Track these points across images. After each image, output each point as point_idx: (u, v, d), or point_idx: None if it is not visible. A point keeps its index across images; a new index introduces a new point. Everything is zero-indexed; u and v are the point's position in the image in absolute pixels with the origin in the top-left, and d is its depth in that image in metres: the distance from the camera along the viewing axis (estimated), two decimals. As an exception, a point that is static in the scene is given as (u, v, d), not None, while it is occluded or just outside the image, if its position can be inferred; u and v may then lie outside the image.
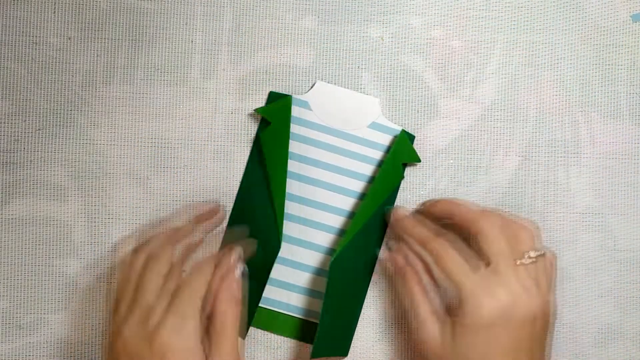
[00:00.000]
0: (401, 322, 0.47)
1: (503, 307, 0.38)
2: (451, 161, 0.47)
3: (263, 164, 0.45)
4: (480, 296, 0.39)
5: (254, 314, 0.45)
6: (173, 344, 0.37)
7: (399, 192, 0.47)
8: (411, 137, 0.47)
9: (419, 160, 0.46)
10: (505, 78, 0.48)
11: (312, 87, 0.46)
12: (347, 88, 0.46)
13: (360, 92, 0.46)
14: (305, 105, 0.46)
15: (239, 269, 0.41)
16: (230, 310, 0.39)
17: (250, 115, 0.47)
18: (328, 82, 0.46)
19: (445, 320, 0.40)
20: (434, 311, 0.41)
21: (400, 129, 0.46)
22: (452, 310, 0.40)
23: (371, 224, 0.45)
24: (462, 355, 0.39)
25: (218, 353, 0.38)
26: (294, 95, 0.46)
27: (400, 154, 0.46)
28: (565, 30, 0.48)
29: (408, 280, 0.42)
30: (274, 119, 0.45)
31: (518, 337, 0.39)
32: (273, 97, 0.46)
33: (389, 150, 0.46)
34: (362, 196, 0.46)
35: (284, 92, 0.46)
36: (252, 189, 0.46)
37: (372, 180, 0.46)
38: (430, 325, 0.40)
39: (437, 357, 0.40)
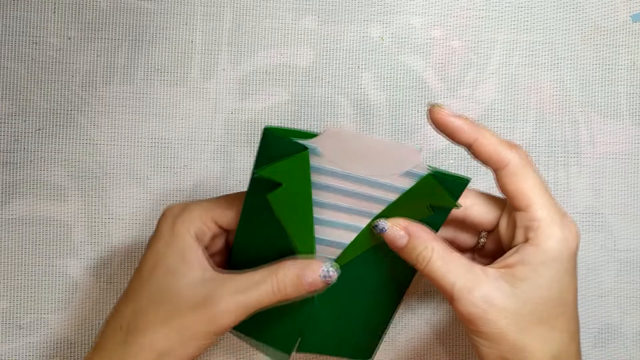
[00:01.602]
0: (401, 322, 0.47)
1: (570, 237, 0.35)
2: (451, 161, 0.47)
3: (277, 223, 0.37)
4: (552, 224, 0.35)
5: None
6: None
7: None
8: (457, 186, 0.37)
9: (454, 205, 0.37)
10: (505, 78, 0.48)
11: (323, 132, 0.35)
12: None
13: (392, 140, 0.38)
14: (313, 151, 0.35)
15: (328, 269, 0.36)
16: (288, 284, 0.35)
17: (250, 115, 0.47)
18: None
19: (488, 271, 0.35)
20: (469, 266, 0.35)
21: (430, 171, 0.36)
22: (490, 253, 0.37)
23: (385, 249, 0.38)
24: (532, 300, 0.34)
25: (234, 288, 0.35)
26: (296, 137, 0.35)
27: (422, 196, 0.37)
28: (565, 30, 0.48)
29: (419, 239, 0.36)
30: (287, 181, 0.35)
31: (574, 269, 0.36)
32: (270, 138, 0.35)
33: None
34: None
35: (285, 125, 0.38)
36: (263, 236, 0.38)
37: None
38: (476, 284, 0.34)
39: (500, 319, 0.34)
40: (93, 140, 0.47)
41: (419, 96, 0.48)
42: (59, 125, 0.46)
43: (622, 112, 0.48)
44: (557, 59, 0.48)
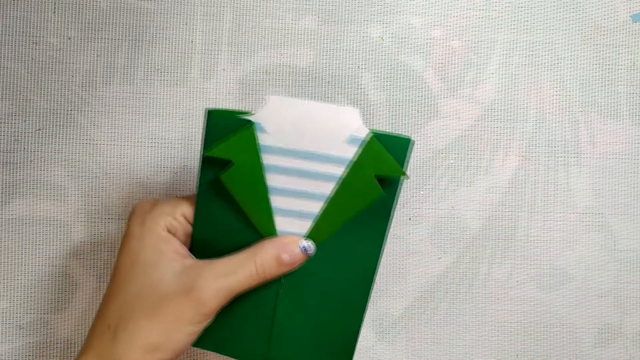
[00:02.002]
0: (401, 322, 0.47)
1: None
2: (451, 161, 0.47)
3: (232, 202, 0.38)
4: None
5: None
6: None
7: (398, 200, 0.42)
8: (401, 143, 0.37)
9: (401, 173, 0.36)
10: (505, 78, 0.48)
11: (263, 104, 0.36)
12: (315, 100, 0.39)
13: (333, 104, 0.37)
14: (258, 128, 0.36)
15: (305, 244, 0.38)
16: (269, 265, 0.37)
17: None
18: (287, 96, 0.38)
19: None
20: None
21: (371, 133, 0.36)
22: None
23: (343, 238, 0.38)
24: None
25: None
26: (239, 115, 0.36)
27: (368, 165, 0.37)
28: (565, 30, 0.48)
29: None
30: (238, 157, 0.36)
31: None
32: (216, 119, 0.36)
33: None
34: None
35: (232, 108, 0.38)
36: (221, 223, 0.38)
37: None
38: None
39: None
40: (93, 140, 0.47)
41: (419, 96, 0.47)
42: (59, 125, 0.46)
43: (622, 112, 0.48)
44: (557, 59, 0.48)
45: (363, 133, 0.36)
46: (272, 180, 0.37)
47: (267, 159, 0.37)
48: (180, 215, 0.38)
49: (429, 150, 0.47)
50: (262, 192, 0.37)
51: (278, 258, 0.37)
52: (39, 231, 0.46)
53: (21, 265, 0.46)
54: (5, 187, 0.46)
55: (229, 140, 0.36)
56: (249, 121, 0.36)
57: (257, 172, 0.37)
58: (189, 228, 0.38)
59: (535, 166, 0.47)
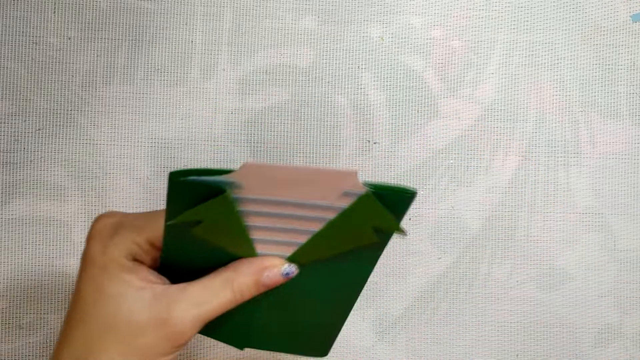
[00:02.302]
0: (401, 322, 0.47)
1: None
2: (451, 161, 0.47)
3: (213, 247, 0.34)
4: None
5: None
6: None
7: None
8: (403, 197, 0.33)
9: (397, 229, 0.33)
10: (505, 78, 0.48)
11: (238, 168, 0.30)
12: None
13: (319, 165, 0.34)
14: (235, 186, 0.31)
15: (288, 268, 0.35)
16: (247, 290, 0.34)
17: (250, 115, 0.47)
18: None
19: None
20: None
21: (369, 190, 0.32)
22: None
23: (325, 270, 0.36)
24: None
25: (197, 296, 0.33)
26: (209, 178, 0.30)
27: (363, 216, 0.33)
28: (565, 30, 0.48)
29: None
30: (211, 218, 0.32)
31: None
32: (178, 185, 0.30)
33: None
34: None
35: (200, 167, 0.33)
36: (195, 254, 0.34)
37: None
38: None
39: None
40: (93, 140, 0.47)
41: (419, 96, 0.47)
42: (59, 125, 0.46)
43: (622, 112, 0.48)
44: (557, 59, 0.48)
45: (359, 188, 0.32)
46: (253, 220, 0.33)
47: (246, 206, 0.32)
48: (145, 241, 0.34)
49: (429, 150, 0.47)
50: (240, 231, 0.33)
51: (257, 282, 0.34)
52: (39, 231, 0.46)
53: (21, 265, 0.46)
54: (5, 187, 0.46)
55: (195, 209, 0.31)
56: (222, 188, 0.31)
57: (233, 220, 0.32)
58: (156, 253, 0.34)
59: (535, 166, 0.47)
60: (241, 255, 0.34)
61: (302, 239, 0.34)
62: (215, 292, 0.34)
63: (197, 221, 0.32)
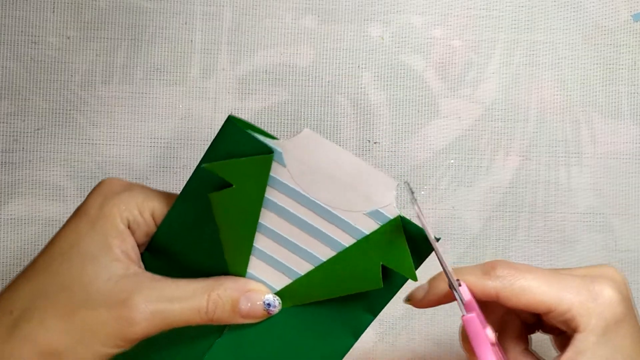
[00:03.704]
0: (401, 322, 0.47)
1: (603, 301, 0.32)
2: (452, 161, 0.47)
3: (212, 224, 0.31)
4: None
5: None
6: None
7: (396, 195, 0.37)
8: (424, 245, 0.31)
9: (413, 277, 0.32)
10: (506, 78, 0.48)
11: (295, 134, 0.30)
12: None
13: (371, 164, 0.32)
14: (277, 157, 0.30)
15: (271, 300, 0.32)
16: (222, 307, 0.31)
17: (250, 115, 0.47)
18: (323, 136, 0.31)
19: None
20: None
21: (397, 217, 0.31)
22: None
23: (315, 315, 0.33)
24: None
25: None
26: (261, 138, 0.30)
27: (381, 249, 0.31)
28: (566, 29, 0.48)
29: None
30: (240, 183, 0.30)
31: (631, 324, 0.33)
32: (233, 130, 0.30)
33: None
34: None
35: (255, 124, 0.31)
36: (190, 240, 0.32)
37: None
38: None
39: None
40: (92, 140, 0.46)
41: (419, 96, 0.47)
42: (58, 125, 0.46)
43: (623, 112, 0.48)
44: (558, 59, 0.48)
45: (391, 212, 0.30)
46: (267, 218, 0.31)
47: (271, 194, 0.31)
48: (149, 212, 0.32)
49: (429, 150, 0.47)
50: (249, 227, 0.31)
51: (234, 303, 0.31)
52: (38, 231, 0.46)
53: (20, 265, 0.46)
54: (4, 187, 0.46)
55: (237, 160, 0.30)
56: (269, 149, 0.30)
57: (253, 204, 0.31)
58: (152, 230, 0.32)
59: (536, 166, 0.47)
60: (231, 268, 0.32)
61: (301, 270, 0.32)
62: (188, 295, 0.30)
63: (225, 184, 0.30)
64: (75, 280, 0.30)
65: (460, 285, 0.32)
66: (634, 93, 0.48)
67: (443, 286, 0.33)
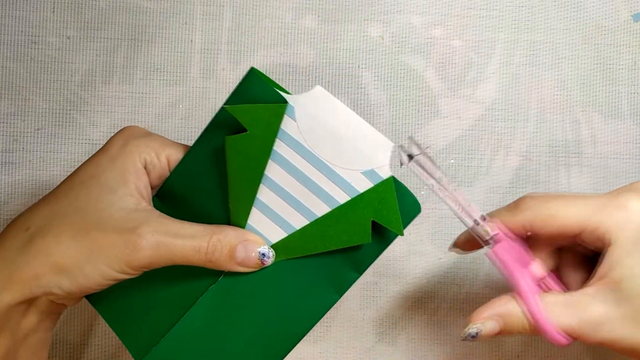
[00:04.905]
0: (401, 323, 0.47)
1: None
2: (452, 161, 0.47)
3: (222, 170, 0.35)
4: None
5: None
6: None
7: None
8: (411, 206, 0.34)
9: (400, 232, 0.34)
10: (506, 77, 0.48)
11: (308, 91, 0.34)
12: (359, 114, 0.34)
13: (374, 127, 0.34)
14: (289, 111, 0.34)
15: (265, 249, 0.35)
16: (220, 251, 0.33)
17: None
18: (333, 94, 0.34)
19: (590, 294, 0.33)
20: (569, 302, 0.33)
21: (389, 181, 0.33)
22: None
23: (304, 269, 0.35)
24: None
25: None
26: (279, 89, 0.34)
27: (372, 206, 0.33)
28: (566, 29, 0.48)
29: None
30: (254, 128, 0.33)
31: None
32: (255, 80, 0.34)
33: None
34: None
35: (276, 81, 0.35)
36: (200, 186, 0.35)
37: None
38: (590, 320, 0.32)
39: (625, 331, 0.32)
40: (92, 139, 0.46)
41: (419, 96, 0.47)
42: (58, 125, 0.46)
43: (624, 112, 0.48)
44: (558, 59, 0.48)
45: (384, 172, 0.33)
46: (272, 171, 0.34)
47: (279, 147, 0.34)
48: (165, 156, 0.35)
49: (429, 150, 0.47)
50: (255, 176, 0.34)
51: (232, 249, 0.33)
52: (38, 231, 0.46)
53: (20, 265, 0.46)
54: (4, 187, 0.46)
55: (255, 106, 0.33)
56: (284, 99, 0.33)
57: (263, 154, 0.34)
58: (166, 174, 0.35)
59: (536, 166, 0.47)
60: (232, 217, 0.35)
61: (297, 224, 0.34)
62: (192, 234, 0.33)
63: (240, 129, 0.33)
64: (91, 205, 0.32)
65: (484, 219, 0.34)
66: (634, 93, 0.48)
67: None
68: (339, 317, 0.47)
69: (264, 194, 0.34)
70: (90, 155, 0.35)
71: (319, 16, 0.47)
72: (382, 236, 0.34)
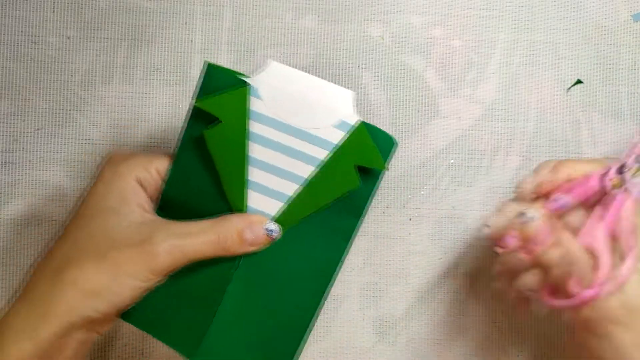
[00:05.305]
0: (401, 323, 0.47)
1: None
2: (452, 161, 0.47)
3: (210, 165, 0.37)
4: None
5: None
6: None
7: (396, 195, 0.46)
8: (386, 142, 0.37)
9: (382, 167, 0.37)
10: (506, 77, 0.48)
11: (263, 68, 0.36)
12: (315, 75, 0.37)
13: (331, 82, 0.37)
14: (253, 92, 0.36)
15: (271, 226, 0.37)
16: (231, 238, 0.36)
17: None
18: (286, 64, 0.37)
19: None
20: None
21: (361, 122, 0.36)
22: None
23: (310, 230, 0.38)
24: None
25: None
26: (238, 75, 0.36)
27: (352, 153, 0.36)
28: (566, 29, 0.48)
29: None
30: (226, 117, 0.36)
31: None
32: (213, 74, 0.36)
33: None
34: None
35: (224, 66, 0.37)
36: (194, 186, 0.38)
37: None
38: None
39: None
40: (92, 139, 0.46)
41: (419, 96, 0.47)
42: (58, 125, 0.46)
43: (624, 112, 0.48)
44: (558, 59, 0.48)
45: (353, 120, 0.36)
46: (254, 151, 0.36)
47: (253, 127, 0.36)
48: (154, 169, 0.37)
49: (429, 150, 0.47)
50: (240, 160, 0.36)
51: (241, 233, 0.36)
52: (38, 231, 0.46)
53: (20, 265, 0.46)
54: (4, 187, 0.46)
55: (220, 95, 0.36)
56: (245, 82, 0.36)
57: (241, 137, 0.36)
58: (160, 184, 0.37)
59: (536, 166, 0.47)
60: (232, 205, 0.37)
61: (290, 191, 0.37)
62: (200, 230, 0.35)
63: (214, 119, 0.36)
64: (101, 232, 0.35)
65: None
66: (634, 93, 0.48)
67: (545, 172, 0.37)
68: (339, 317, 0.47)
69: (253, 174, 0.37)
70: (87, 188, 0.37)
71: (319, 16, 0.47)
72: (370, 176, 0.37)
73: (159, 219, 0.36)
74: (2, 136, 0.46)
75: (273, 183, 0.37)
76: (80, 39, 0.47)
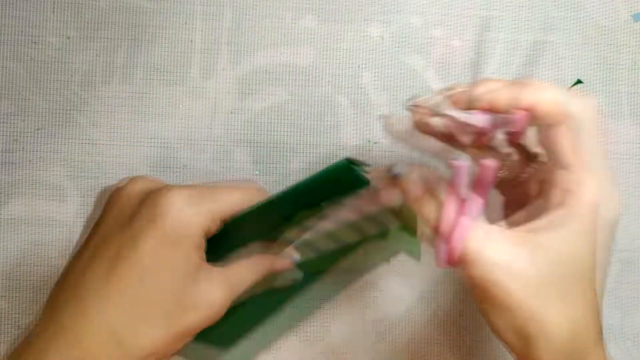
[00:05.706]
0: (402, 323, 0.47)
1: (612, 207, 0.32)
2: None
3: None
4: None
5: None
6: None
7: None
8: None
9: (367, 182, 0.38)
10: (506, 77, 0.48)
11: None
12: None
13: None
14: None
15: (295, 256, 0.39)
16: (248, 275, 0.36)
17: (250, 115, 0.47)
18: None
19: (507, 234, 0.31)
20: (486, 227, 0.32)
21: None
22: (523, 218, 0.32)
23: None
24: (555, 271, 0.30)
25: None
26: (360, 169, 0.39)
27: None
28: (566, 29, 0.48)
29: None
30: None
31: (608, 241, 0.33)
32: (347, 170, 0.39)
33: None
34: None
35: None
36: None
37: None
38: (497, 246, 0.31)
39: (518, 286, 0.30)
40: (92, 140, 0.46)
41: (419, 96, 0.47)
42: (58, 125, 0.46)
43: (624, 112, 0.48)
44: (558, 59, 0.48)
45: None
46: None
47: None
48: (220, 217, 0.35)
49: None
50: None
51: (272, 267, 0.38)
52: (38, 231, 0.46)
53: (20, 265, 0.46)
54: (4, 187, 0.46)
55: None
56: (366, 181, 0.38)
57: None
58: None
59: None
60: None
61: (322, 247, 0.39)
62: (245, 275, 0.36)
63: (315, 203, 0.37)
64: (165, 296, 0.33)
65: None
66: (634, 93, 0.48)
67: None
68: (339, 317, 0.47)
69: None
70: (146, 229, 0.33)
71: (319, 16, 0.47)
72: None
73: (213, 268, 0.35)
74: (2, 136, 0.46)
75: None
76: (80, 39, 0.47)
